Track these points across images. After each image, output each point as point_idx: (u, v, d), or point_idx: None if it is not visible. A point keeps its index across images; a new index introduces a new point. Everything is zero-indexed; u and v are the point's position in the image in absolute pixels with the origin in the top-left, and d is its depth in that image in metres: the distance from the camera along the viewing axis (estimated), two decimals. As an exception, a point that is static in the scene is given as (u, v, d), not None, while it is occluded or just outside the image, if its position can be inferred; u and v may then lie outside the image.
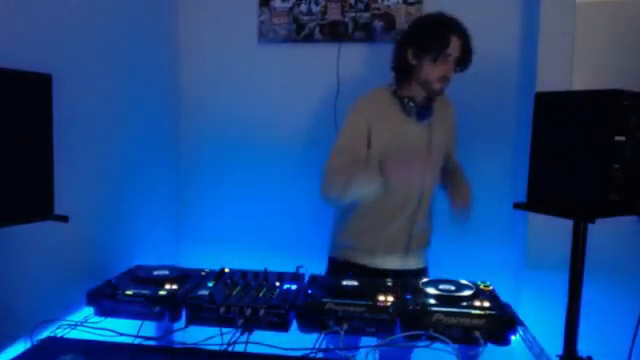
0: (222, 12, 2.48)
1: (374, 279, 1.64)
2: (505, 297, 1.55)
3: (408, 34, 1.83)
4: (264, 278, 1.63)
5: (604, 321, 1.98)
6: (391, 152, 1.76)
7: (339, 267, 1.94)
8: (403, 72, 1.82)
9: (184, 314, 1.46)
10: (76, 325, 1.48)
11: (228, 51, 2.49)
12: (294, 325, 1.43)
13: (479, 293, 1.52)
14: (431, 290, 1.51)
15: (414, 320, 1.36)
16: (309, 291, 1.49)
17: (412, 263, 1.95)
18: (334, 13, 2.38)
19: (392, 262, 1.90)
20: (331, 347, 1.34)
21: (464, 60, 1.78)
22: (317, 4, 2.38)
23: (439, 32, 1.73)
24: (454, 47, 1.73)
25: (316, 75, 2.42)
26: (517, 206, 1.41)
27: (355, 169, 1.75)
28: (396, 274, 1.78)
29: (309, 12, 2.39)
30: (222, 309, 1.42)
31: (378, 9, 2.35)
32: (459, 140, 2.17)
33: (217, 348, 1.33)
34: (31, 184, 1.21)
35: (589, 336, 1.40)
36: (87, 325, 1.47)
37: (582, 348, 1.33)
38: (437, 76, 1.75)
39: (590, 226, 1.27)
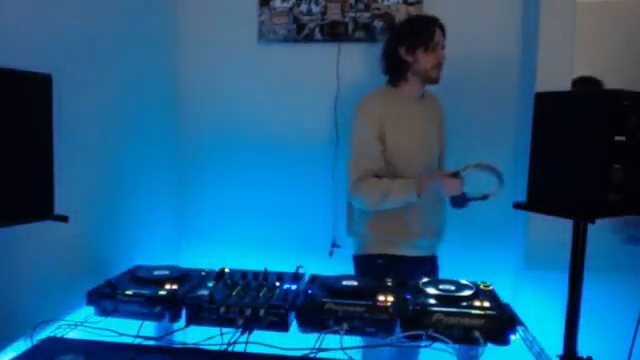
0: (222, 12, 2.48)
1: (375, 279, 1.65)
2: (505, 297, 1.55)
3: (397, 35, 2.01)
4: (264, 278, 1.62)
5: (604, 321, 1.97)
6: (407, 150, 1.94)
7: (370, 261, 2.01)
8: (399, 70, 1.98)
9: (184, 314, 1.46)
10: (76, 325, 1.48)
11: (228, 51, 2.49)
12: (294, 325, 1.43)
13: (479, 293, 1.52)
14: (431, 290, 1.51)
15: (414, 320, 1.37)
16: (309, 291, 1.49)
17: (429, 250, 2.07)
18: (334, 13, 2.38)
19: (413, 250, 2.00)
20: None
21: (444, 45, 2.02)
22: (317, 4, 2.38)
23: (423, 26, 1.95)
24: (438, 35, 1.95)
25: (316, 75, 2.42)
26: (517, 206, 1.40)
27: (393, 185, 1.86)
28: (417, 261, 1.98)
29: (309, 12, 2.39)
30: (222, 309, 1.42)
31: (378, 9, 2.35)
32: (460, 140, 2.17)
33: (217, 348, 1.33)
34: (31, 184, 1.20)
35: (589, 336, 1.40)
36: (87, 325, 1.47)
37: (582, 348, 1.33)
38: (433, 63, 1.94)
39: (590, 226, 1.27)
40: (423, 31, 1.94)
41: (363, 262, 2.03)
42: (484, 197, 1.83)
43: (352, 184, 1.91)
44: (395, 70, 1.99)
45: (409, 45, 1.93)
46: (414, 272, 1.90)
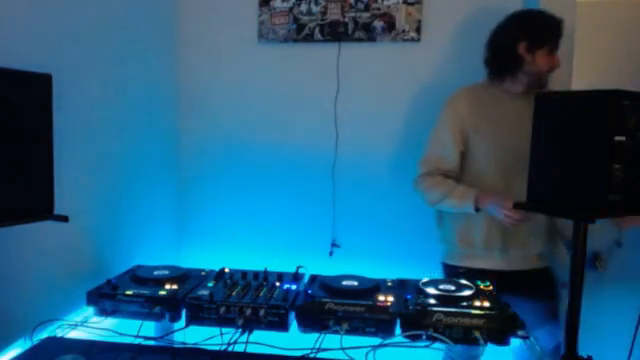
0: (222, 12, 2.48)
1: (377, 280, 1.64)
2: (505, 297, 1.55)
3: (519, 29, 1.84)
4: (264, 278, 1.63)
5: (604, 321, 1.97)
6: (490, 150, 1.85)
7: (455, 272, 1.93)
8: (511, 66, 1.85)
9: (184, 314, 1.47)
10: (76, 325, 1.48)
11: (228, 51, 2.49)
12: (294, 325, 1.43)
13: (479, 293, 1.52)
14: (431, 290, 1.51)
15: (414, 320, 1.37)
16: (309, 291, 1.49)
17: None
18: (334, 13, 2.38)
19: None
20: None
21: None
22: (317, 4, 2.38)
23: (552, 26, 1.81)
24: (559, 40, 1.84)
25: (316, 75, 2.42)
26: (517, 206, 1.40)
27: (455, 189, 1.83)
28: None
29: (309, 12, 2.39)
30: (222, 309, 1.42)
31: (378, 9, 2.35)
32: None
33: (217, 348, 1.33)
34: (31, 184, 1.21)
35: (589, 336, 1.40)
36: (87, 325, 1.48)
37: (582, 348, 1.33)
38: (549, 67, 1.83)
39: (590, 226, 1.26)
40: (551, 31, 1.81)
41: (450, 272, 1.96)
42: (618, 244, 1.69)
43: (417, 177, 1.92)
44: (506, 65, 1.86)
45: (532, 43, 1.80)
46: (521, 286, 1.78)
